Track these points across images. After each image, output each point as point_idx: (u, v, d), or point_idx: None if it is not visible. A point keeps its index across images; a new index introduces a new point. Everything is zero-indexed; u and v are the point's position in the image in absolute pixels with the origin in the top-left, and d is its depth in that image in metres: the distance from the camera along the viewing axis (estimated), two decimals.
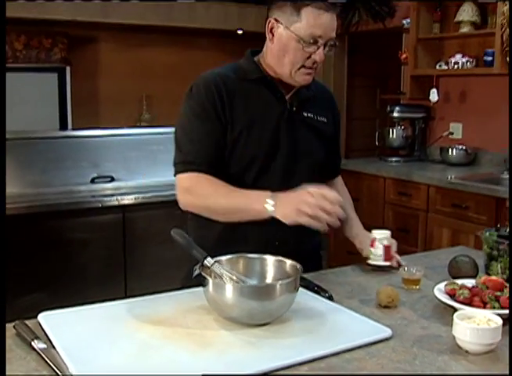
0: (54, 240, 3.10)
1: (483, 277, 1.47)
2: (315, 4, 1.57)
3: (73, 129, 4.36)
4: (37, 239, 3.11)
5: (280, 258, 1.41)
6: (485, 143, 4.15)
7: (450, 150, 4.19)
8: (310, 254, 1.83)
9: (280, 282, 1.28)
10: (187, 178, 1.62)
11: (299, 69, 1.63)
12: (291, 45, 1.60)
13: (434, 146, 4.47)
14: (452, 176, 3.60)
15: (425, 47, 4.29)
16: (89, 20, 4.26)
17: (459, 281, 1.48)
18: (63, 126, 4.52)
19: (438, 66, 4.20)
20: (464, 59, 4.03)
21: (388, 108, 4.55)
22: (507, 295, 1.36)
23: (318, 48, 1.60)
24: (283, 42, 1.62)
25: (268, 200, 1.47)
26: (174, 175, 1.65)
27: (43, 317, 1.32)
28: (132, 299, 1.43)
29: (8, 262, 2.98)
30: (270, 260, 1.41)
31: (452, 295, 1.42)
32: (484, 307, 1.36)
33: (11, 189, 3.35)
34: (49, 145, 3.56)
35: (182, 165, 1.63)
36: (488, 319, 1.23)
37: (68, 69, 4.45)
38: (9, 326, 1.27)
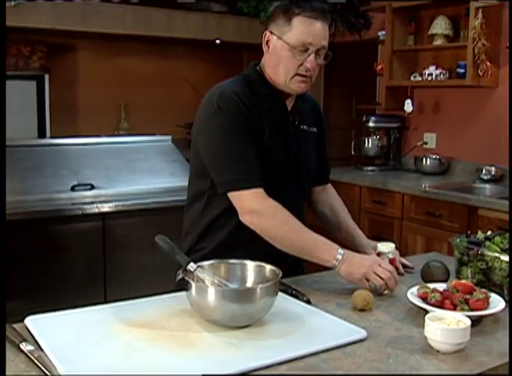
0: (34, 247, 3.11)
1: (454, 281, 1.54)
2: (305, 13, 1.64)
3: (52, 137, 4.37)
4: (18, 246, 3.12)
5: (260, 263, 1.46)
6: (458, 153, 4.26)
7: (424, 160, 4.30)
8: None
9: (260, 286, 1.34)
10: (251, 198, 1.63)
11: (293, 77, 1.68)
12: (284, 54, 1.67)
13: (409, 156, 4.57)
14: (426, 185, 3.69)
15: (400, 59, 4.40)
16: (68, 29, 4.30)
17: (431, 285, 1.55)
18: (42, 134, 4.53)
19: (412, 78, 4.31)
20: (438, 71, 4.14)
21: (364, 118, 4.64)
22: (476, 298, 1.43)
23: (309, 55, 1.66)
24: (277, 52, 1.69)
25: (338, 256, 1.59)
26: (225, 193, 1.65)
27: (30, 321, 1.35)
28: (117, 303, 1.47)
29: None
30: (250, 265, 1.46)
31: (424, 299, 1.49)
32: (455, 309, 1.42)
33: None
34: (28, 153, 3.56)
35: (237, 183, 1.63)
36: (457, 321, 1.29)
37: (47, 77, 4.47)
38: None
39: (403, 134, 4.69)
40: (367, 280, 1.58)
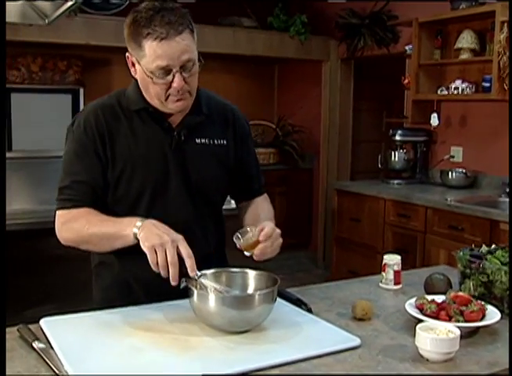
0: (62, 255, 3.24)
1: (452, 293, 1.58)
2: (152, 34, 1.48)
3: None
4: (47, 253, 3.25)
5: (260, 272, 1.53)
6: (485, 167, 4.26)
7: (450, 173, 4.30)
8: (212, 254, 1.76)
9: (258, 293, 1.41)
10: (63, 215, 1.60)
11: (167, 98, 1.56)
12: (147, 79, 1.54)
13: (436, 169, 4.58)
14: (451, 199, 3.71)
15: (426, 72, 4.41)
16: (102, 44, 4.45)
17: (430, 297, 1.59)
18: None
19: (439, 92, 4.32)
20: (464, 85, 4.15)
21: (391, 131, 4.67)
22: (471, 310, 1.47)
23: (173, 76, 1.52)
24: (141, 77, 1.57)
25: (138, 224, 1.45)
26: (54, 213, 1.63)
27: (44, 322, 1.45)
28: (125, 308, 1.56)
29: (19, 275, 3.13)
30: (251, 274, 1.54)
31: (421, 309, 1.53)
32: (450, 320, 1.46)
33: (24, 205, 3.52)
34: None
35: (60, 202, 1.61)
36: (448, 331, 1.34)
37: (82, 90, 4.65)
38: (13, 329, 1.41)
39: (431, 147, 4.70)
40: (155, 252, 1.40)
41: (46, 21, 2.96)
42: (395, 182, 4.55)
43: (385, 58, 5.16)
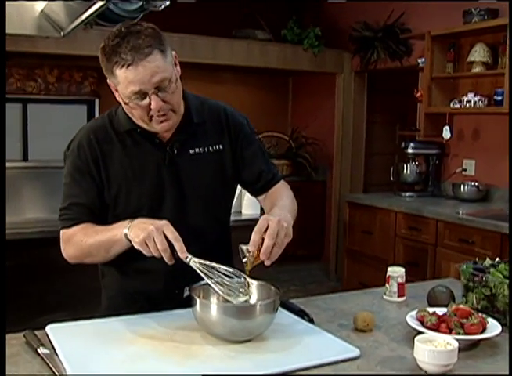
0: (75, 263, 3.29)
1: (454, 306, 1.59)
2: (119, 62, 1.48)
3: None
4: (61, 261, 3.29)
5: (263, 282, 1.55)
6: (497, 180, 4.24)
7: (462, 186, 4.29)
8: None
9: (259, 303, 1.43)
10: (64, 233, 1.66)
11: (151, 120, 1.58)
12: (126, 105, 1.57)
13: (448, 182, 4.58)
14: (462, 212, 3.70)
15: (439, 85, 4.42)
16: None
17: (432, 309, 1.60)
18: None
19: (451, 104, 4.32)
20: (476, 98, 4.15)
21: (403, 144, 4.68)
22: (471, 322, 1.48)
23: (149, 99, 1.52)
24: (121, 102, 1.59)
25: (128, 225, 1.49)
26: (58, 234, 1.69)
27: (50, 328, 1.48)
28: (129, 316, 1.59)
29: (32, 282, 3.18)
30: (254, 284, 1.55)
31: (421, 321, 1.54)
32: (450, 333, 1.47)
33: (38, 214, 3.57)
34: None
35: (61, 222, 1.67)
36: (446, 343, 1.35)
37: (97, 101, 4.72)
38: (20, 335, 1.44)
39: (443, 160, 4.70)
40: (147, 245, 1.44)
41: (62, 33, 3.02)
42: (407, 194, 4.56)
43: (398, 71, 5.18)
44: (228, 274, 1.48)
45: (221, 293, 1.46)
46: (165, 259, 1.44)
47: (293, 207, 1.76)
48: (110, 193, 1.66)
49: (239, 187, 1.91)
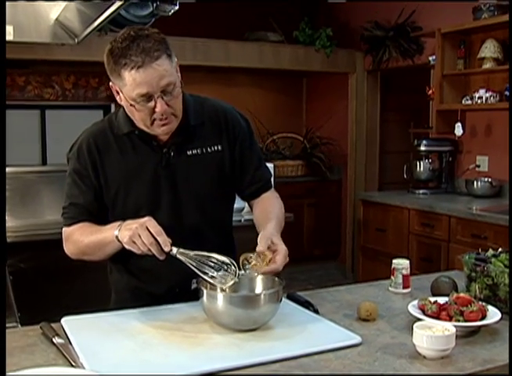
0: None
1: (455, 295, 1.63)
2: (129, 64, 1.51)
3: None
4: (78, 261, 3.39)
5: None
6: None
7: (475, 183, 4.31)
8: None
9: (264, 293, 1.49)
10: (65, 231, 1.75)
11: (152, 123, 1.61)
12: (131, 107, 1.59)
13: (462, 179, 4.59)
14: (475, 208, 3.72)
15: (450, 82, 4.44)
16: None
17: (434, 298, 1.65)
18: None
19: (463, 101, 4.34)
20: (488, 94, 4.17)
21: (416, 142, 4.70)
22: (470, 310, 1.52)
23: (155, 102, 1.56)
24: (125, 104, 1.61)
25: (118, 227, 1.55)
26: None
27: (65, 320, 1.56)
28: (140, 309, 1.65)
29: (53, 282, 3.26)
30: (259, 276, 1.61)
31: (423, 310, 1.59)
32: (450, 320, 1.51)
33: (56, 216, 3.64)
34: None
35: (63, 221, 1.75)
36: (444, 329, 1.39)
37: (113, 106, 4.81)
38: (36, 327, 1.52)
39: (456, 157, 4.72)
40: (134, 243, 1.49)
41: (76, 40, 3.11)
42: (421, 192, 4.58)
43: (410, 69, 5.20)
44: (215, 261, 1.52)
45: (210, 280, 1.50)
46: (155, 253, 1.48)
47: (283, 218, 1.80)
48: (109, 195, 1.72)
49: None
